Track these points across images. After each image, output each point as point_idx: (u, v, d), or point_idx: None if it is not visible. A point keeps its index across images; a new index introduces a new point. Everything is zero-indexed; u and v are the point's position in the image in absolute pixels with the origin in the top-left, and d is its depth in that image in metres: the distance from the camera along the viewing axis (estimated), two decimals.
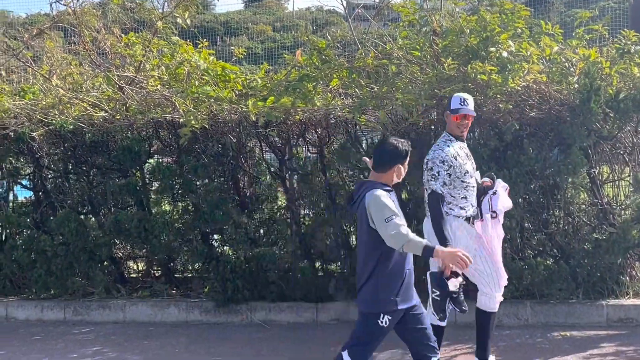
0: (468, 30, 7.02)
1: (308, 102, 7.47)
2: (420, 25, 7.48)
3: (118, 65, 8.26)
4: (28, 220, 8.60)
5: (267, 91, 7.65)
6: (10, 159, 8.71)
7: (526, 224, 7.52)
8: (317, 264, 8.19)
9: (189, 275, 8.85)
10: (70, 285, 8.26)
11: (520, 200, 7.25)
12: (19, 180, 9.00)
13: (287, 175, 8.28)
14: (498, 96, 6.86)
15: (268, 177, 8.50)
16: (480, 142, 7.31)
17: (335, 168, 8.11)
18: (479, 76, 6.67)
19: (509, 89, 6.81)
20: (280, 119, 7.48)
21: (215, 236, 8.48)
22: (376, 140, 7.97)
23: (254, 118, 7.24)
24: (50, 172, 8.77)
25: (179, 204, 8.47)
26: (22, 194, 9.18)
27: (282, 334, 7.35)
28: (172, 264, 8.72)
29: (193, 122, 7.26)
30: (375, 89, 7.19)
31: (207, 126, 7.50)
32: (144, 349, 6.94)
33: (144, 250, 8.72)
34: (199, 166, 8.06)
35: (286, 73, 7.89)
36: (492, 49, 6.86)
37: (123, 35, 8.35)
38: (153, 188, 8.61)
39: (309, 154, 8.46)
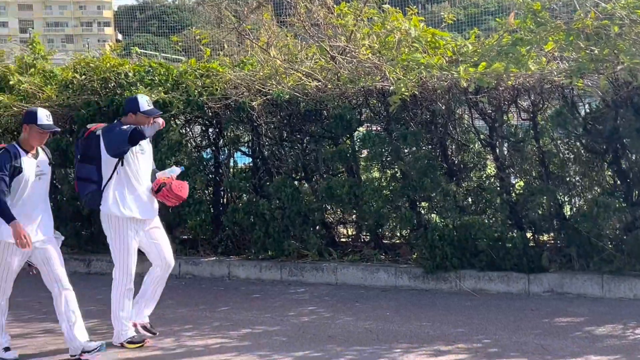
0: None
1: (521, 67, 7.24)
2: None
3: (330, 36, 8.48)
4: (247, 185, 9.11)
5: (478, 57, 7.52)
6: (232, 127, 9.25)
7: None
8: (529, 234, 8.00)
9: (397, 241, 8.99)
10: (286, 247, 8.68)
11: None
12: (239, 148, 9.55)
13: (497, 142, 8.13)
14: None
15: (477, 144, 8.38)
16: None
17: (549, 135, 7.84)
18: None
19: None
20: (491, 85, 7.32)
21: (423, 203, 8.53)
22: (594, 107, 7.60)
23: (464, 84, 7.16)
24: (267, 139, 9.22)
25: (388, 171, 8.60)
26: (242, 160, 9.73)
27: (492, 303, 7.28)
28: (380, 230, 8.89)
29: (403, 89, 7.30)
30: (596, 52, 6.82)
31: (416, 93, 7.53)
32: (356, 310, 7.18)
33: (354, 215, 8.98)
34: (408, 134, 8.11)
35: (498, 37, 7.71)
36: None
37: (335, 6, 8.55)
38: (363, 155, 8.81)
39: (520, 120, 8.23)
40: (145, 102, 6.28)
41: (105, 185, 6.13)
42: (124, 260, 6.23)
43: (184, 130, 9.52)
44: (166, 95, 8.77)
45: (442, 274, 7.88)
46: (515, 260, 7.67)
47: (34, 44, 10.28)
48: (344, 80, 8.20)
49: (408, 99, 7.61)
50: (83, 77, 9.40)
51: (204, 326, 6.79)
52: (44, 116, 5.69)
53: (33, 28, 71.07)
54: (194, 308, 7.45)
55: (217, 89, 8.79)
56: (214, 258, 9.08)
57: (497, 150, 8.12)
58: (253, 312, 7.25)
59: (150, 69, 9.37)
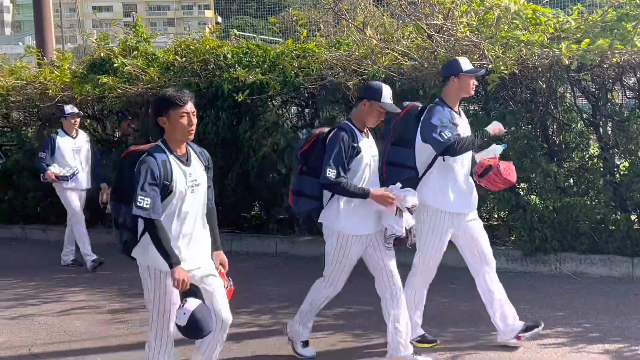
0: None
1: (627, 44, 6.97)
2: None
3: (427, 14, 8.36)
4: None
5: (581, 33, 7.27)
6: (327, 107, 9.29)
7: None
8: (633, 217, 7.71)
9: (495, 223, 8.83)
10: None
11: None
12: None
13: (600, 122, 7.86)
14: None
15: (579, 124, 8.13)
16: None
17: None
18: None
19: None
20: (595, 62, 7.06)
21: (522, 184, 8.34)
22: None
23: (566, 62, 6.94)
24: None
25: None
26: None
27: (594, 287, 7.07)
28: (477, 211, 8.74)
29: (502, 68, 7.15)
30: None
31: (516, 72, 7.35)
32: (451, 292, 7.13)
33: None
34: (507, 113, 7.94)
35: (602, 13, 7.42)
36: None
37: None
38: None
39: (626, 99, 7.92)
40: (465, 61, 5.47)
41: (424, 173, 5.40)
42: (435, 257, 5.61)
43: (280, 111, 9.63)
44: (263, 77, 8.88)
45: (541, 256, 7.71)
46: (618, 243, 7.42)
47: (137, 27, 10.58)
48: (441, 59, 8.06)
49: (507, 78, 7.43)
50: (183, 59, 9.64)
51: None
52: (388, 95, 5.04)
53: (136, 12, 73.26)
54: (290, 287, 7.55)
55: (313, 70, 8.83)
56: (310, 237, 9.16)
57: (601, 130, 7.85)
58: (347, 291, 7.27)
59: (248, 50, 9.50)
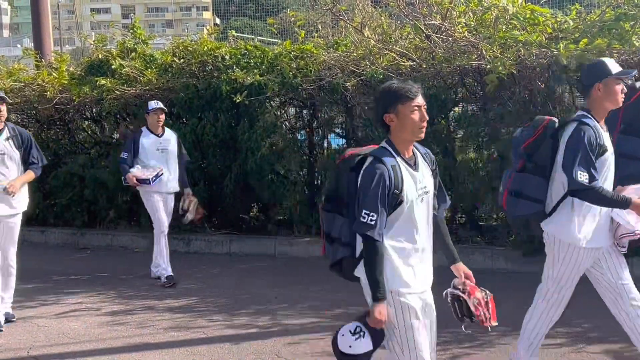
0: None
1: (625, 43, 6.98)
2: None
3: (425, 14, 8.35)
4: None
5: (579, 33, 7.27)
6: (325, 108, 9.29)
7: None
8: None
9: (494, 223, 8.83)
10: None
11: None
12: (333, 129, 9.57)
13: None
14: None
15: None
16: None
17: None
18: None
19: None
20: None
21: None
22: None
23: (564, 62, 6.93)
24: (361, 120, 9.19)
25: (484, 151, 8.44)
26: (335, 142, 9.76)
27: (592, 287, 7.05)
28: (476, 212, 8.76)
29: (500, 68, 7.15)
30: None
31: (514, 72, 7.34)
32: None
33: (449, 197, 8.85)
34: (505, 113, 7.93)
35: (600, 13, 7.42)
36: None
37: None
38: (458, 136, 8.67)
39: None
40: (613, 62, 4.48)
41: None
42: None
43: (278, 112, 9.63)
44: (261, 78, 8.87)
45: (541, 257, 7.67)
46: None
47: (135, 29, 10.58)
48: (439, 60, 8.07)
49: (505, 78, 7.43)
50: (182, 60, 9.63)
51: (299, 305, 6.88)
52: (614, 63, 4.43)
53: (134, 14, 73.21)
54: (289, 287, 7.55)
55: (311, 71, 8.83)
56: (309, 238, 9.15)
57: None
58: (347, 292, 7.25)
59: (246, 51, 9.50)
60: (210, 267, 8.74)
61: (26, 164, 6.58)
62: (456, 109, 8.74)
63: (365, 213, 3.38)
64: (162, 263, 7.98)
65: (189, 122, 9.64)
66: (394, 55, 8.32)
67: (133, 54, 10.20)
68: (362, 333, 3.48)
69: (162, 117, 8.04)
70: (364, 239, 3.44)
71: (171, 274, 7.92)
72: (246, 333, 6.13)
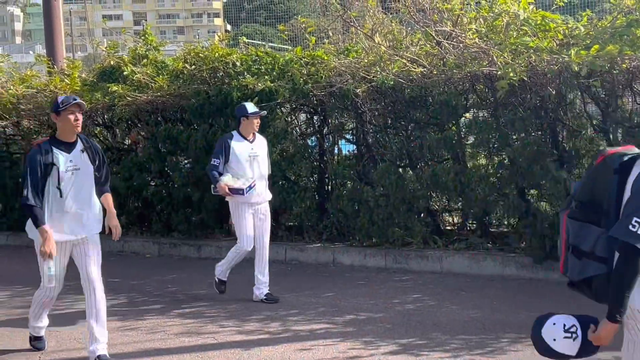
0: None
1: (637, 50, 6.96)
2: None
3: (436, 21, 8.36)
4: (352, 172, 9.13)
5: (590, 39, 7.26)
6: (336, 114, 9.30)
7: None
8: None
9: (505, 229, 8.81)
10: (390, 235, 8.65)
11: None
12: (343, 135, 9.58)
13: (610, 128, 7.81)
14: None
15: (589, 130, 8.08)
16: None
17: None
18: None
19: None
20: (604, 69, 7.05)
21: (532, 191, 8.32)
22: None
23: (576, 68, 6.93)
24: (372, 126, 9.20)
25: (495, 158, 8.44)
26: (346, 148, 9.76)
27: None
28: (487, 218, 8.73)
29: (511, 74, 7.15)
30: None
31: (525, 78, 7.34)
32: (461, 299, 7.09)
33: (460, 203, 8.85)
34: (516, 119, 7.92)
35: (612, 19, 7.41)
36: None
37: None
38: (469, 142, 8.67)
39: (636, 105, 7.88)
40: None
41: None
42: None
43: (289, 118, 9.65)
44: (272, 84, 8.89)
45: (552, 263, 7.67)
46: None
47: (146, 36, 10.62)
48: (450, 66, 8.07)
49: (516, 84, 7.42)
50: (193, 67, 9.66)
51: (310, 311, 6.88)
52: None
53: (146, 20, 73.62)
54: (299, 293, 7.55)
55: (322, 77, 8.84)
56: (319, 244, 9.16)
57: (611, 136, 7.80)
58: (358, 298, 7.28)
59: (257, 58, 9.52)
60: None
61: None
62: (467, 115, 8.73)
63: (636, 221, 2.91)
64: (223, 268, 7.45)
65: (199, 128, 9.66)
66: (405, 61, 8.32)
67: (145, 60, 10.25)
68: (575, 336, 3.14)
69: (259, 122, 7.29)
70: (625, 248, 2.95)
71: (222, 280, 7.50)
72: (257, 339, 6.13)
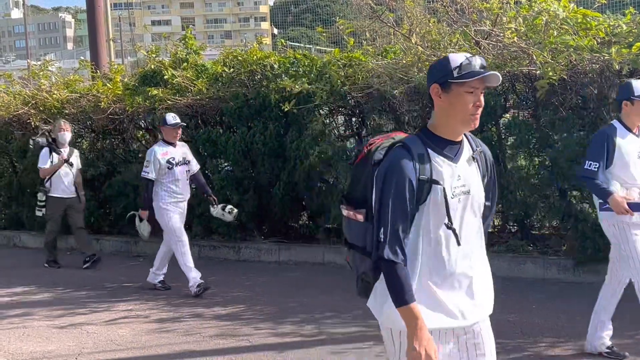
0: None
1: None
2: None
3: (475, 20, 8.25)
4: None
5: (633, 37, 7.07)
6: (374, 116, 9.24)
7: None
8: None
9: (546, 232, 8.64)
10: None
11: None
12: None
13: None
14: None
15: None
16: None
17: None
18: None
19: None
20: None
21: (574, 193, 8.14)
22: None
23: (617, 67, 6.76)
24: (410, 128, 9.12)
25: (535, 159, 8.28)
26: None
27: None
28: (528, 220, 8.58)
29: (551, 73, 7.01)
30: None
31: (565, 77, 7.19)
32: (500, 302, 6.75)
33: (500, 205, 8.71)
34: (557, 120, 7.77)
35: None
36: None
37: None
38: (509, 143, 8.52)
39: None
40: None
41: None
42: None
43: (327, 120, 9.62)
44: (310, 86, 8.87)
45: (594, 266, 7.48)
46: None
47: (187, 40, 10.71)
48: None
49: (557, 83, 7.27)
50: (231, 70, 9.71)
51: (345, 314, 6.83)
52: None
53: (194, 25, 74.42)
54: (335, 296, 7.51)
55: (359, 79, 8.80)
56: None
57: None
58: None
59: (294, 60, 9.52)
60: (258, 275, 8.77)
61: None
62: (507, 115, 8.59)
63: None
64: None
65: (238, 131, 9.70)
66: None
67: (185, 64, 10.33)
68: None
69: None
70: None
71: None
72: (291, 341, 6.12)
